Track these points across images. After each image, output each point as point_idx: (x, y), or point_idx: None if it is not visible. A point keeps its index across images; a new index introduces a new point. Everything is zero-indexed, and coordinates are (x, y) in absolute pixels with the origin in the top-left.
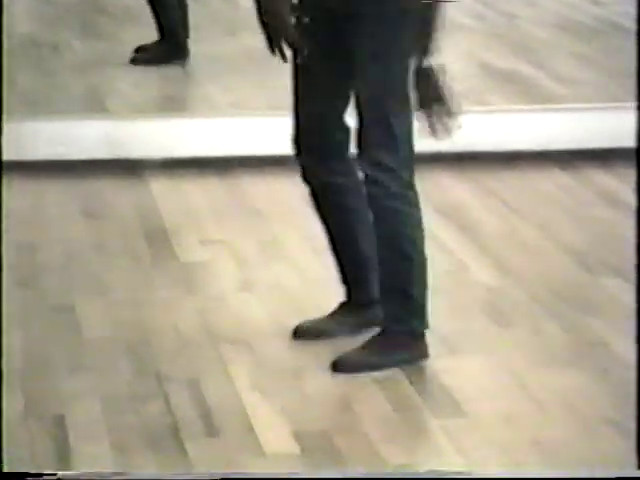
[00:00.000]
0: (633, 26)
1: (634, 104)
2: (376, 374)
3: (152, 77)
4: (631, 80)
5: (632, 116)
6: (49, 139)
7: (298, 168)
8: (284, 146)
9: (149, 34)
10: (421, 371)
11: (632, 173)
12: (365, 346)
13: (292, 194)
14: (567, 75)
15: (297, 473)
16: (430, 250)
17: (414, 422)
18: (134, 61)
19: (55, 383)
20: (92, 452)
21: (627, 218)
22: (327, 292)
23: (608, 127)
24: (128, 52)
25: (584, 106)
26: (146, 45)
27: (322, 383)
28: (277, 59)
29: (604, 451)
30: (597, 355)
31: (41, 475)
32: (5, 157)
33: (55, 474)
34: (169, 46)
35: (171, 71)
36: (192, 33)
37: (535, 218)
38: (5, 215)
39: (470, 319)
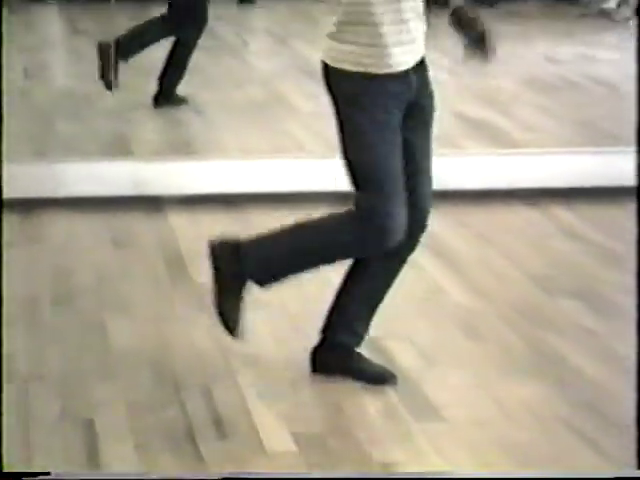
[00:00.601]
0: (584, 82)
1: (587, 149)
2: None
3: (171, 123)
4: (585, 128)
5: (586, 159)
6: (83, 178)
7: (303, 205)
8: (284, 184)
9: None
10: (404, 381)
11: (588, 209)
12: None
13: (271, 218)
14: (531, 124)
15: (297, 473)
16: (411, 275)
17: (398, 426)
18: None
19: (86, 390)
20: (118, 451)
21: (583, 248)
22: (323, 312)
23: (566, 169)
24: (150, 101)
25: (545, 150)
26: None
27: (318, 391)
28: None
29: (562, 450)
30: (555, 367)
31: (36, 475)
32: (44, 194)
33: (49, 473)
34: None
35: (187, 118)
36: (207, 85)
37: (503, 248)
38: (44, 243)
39: (447, 335)
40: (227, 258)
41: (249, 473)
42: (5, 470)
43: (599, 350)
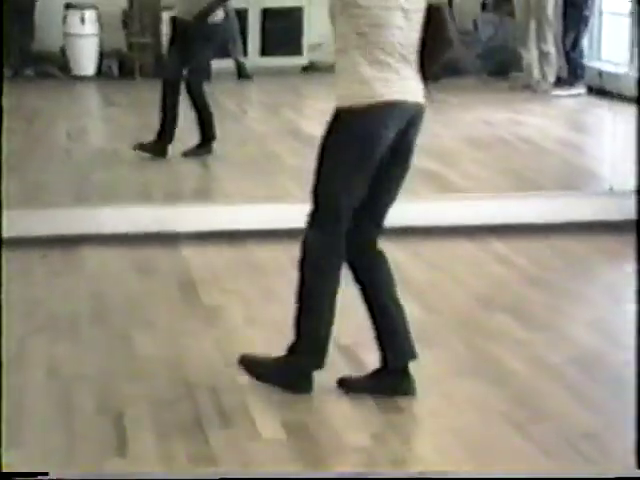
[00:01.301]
0: (513, 140)
1: (515, 193)
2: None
3: (183, 174)
4: (513, 177)
5: (514, 201)
6: (113, 219)
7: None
8: (275, 223)
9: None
10: None
11: (516, 241)
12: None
13: (285, 257)
14: (470, 173)
15: (297, 473)
16: None
17: (368, 417)
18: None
19: (116, 389)
20: (142, 438)
21: (513, 273)
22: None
23: (499, 209)
24: (169, 155)
25: (482, 195)
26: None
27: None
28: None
29: (498, 436)
30: (493, 369)
31: (35, 475)
32: (82, 232)
33: (47, 473)
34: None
35: (196, 169)
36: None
37: (450, 273)
38: (82, 272)
39: None
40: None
41: (245, 473)
42: (4, 470)
43: (529, 356)
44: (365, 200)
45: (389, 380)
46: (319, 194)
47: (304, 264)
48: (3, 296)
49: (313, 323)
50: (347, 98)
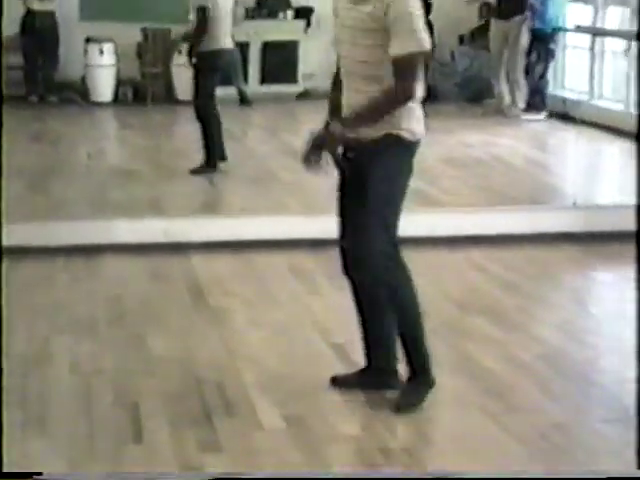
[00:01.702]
0: (488, 159)
1: (490, 207)
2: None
3: (192, 189)
4: (488, 192)
5: (489, 214)
6: (129, 230)
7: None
8: (274, 234)
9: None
10: None
11: (491, 250)
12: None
13: (283, 265)
14: (450, 190)
15: (298, 473)
16: None
17: (359, 409)
18: (194, 172)
19: (132, 383)
20: (156, 426)
21: (489, 279)
22: (304, 329)
23: (476, 222)
24: (178, 173)
25: (460, 209)
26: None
27: (302, 385)
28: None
29: (476, 425)
30: (471, 366)
31: (30, 475)
32: (101, 242)
33: (41, 473)
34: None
35: (203, 185)
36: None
37: (431, 279)
38: (101, 278)
39: None
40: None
41: (245, 474)
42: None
43: (502, 354)
44: None
45: (377, 376)
46: (369, 217)
47: (377, 290)
48: (4, 302)
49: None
50: (394, 128)
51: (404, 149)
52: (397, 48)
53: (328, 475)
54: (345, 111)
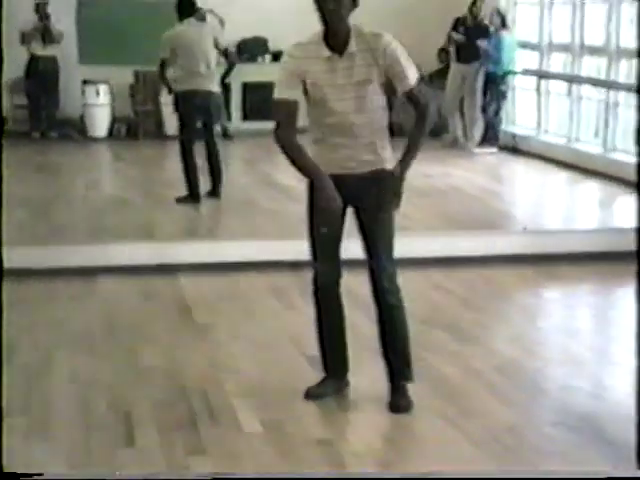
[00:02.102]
0: (445, 188)
1: (447, 232)
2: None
3: (179, 216)
4: (445, 218)
5: (446, 238)
6: (122, 253)
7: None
8: (254, 256)
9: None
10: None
11: (450, 271)
12: (402, 393)
13: (263, 285)
14: (413, 216)
15: (297, 473)
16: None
17: (330, 416)
18: (178, 201)
19: (124, 392)
20: (146, 433)
21: (448, 297)
22: (282, 342)
23: (434, 245)
24: (167, 201)
25: (423, 233)
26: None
27: (279, 393)
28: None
29: (433, 427)
30: (430, 374)
31: (31, 475)
32: (97, 264)
33: (42, 474)
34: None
35: (190, 213)
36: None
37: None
38: (97, 296)
39: (361, 354)
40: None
41: (244, 474)
42: (5, 470)
43: (459, 364)
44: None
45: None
46: (390, 247)
47: (400, 300)
48: (4, 323)
49: None
50: (387, 162)
51: None
52: (411, 80)
53: (328, 476)
54: (349, 151)
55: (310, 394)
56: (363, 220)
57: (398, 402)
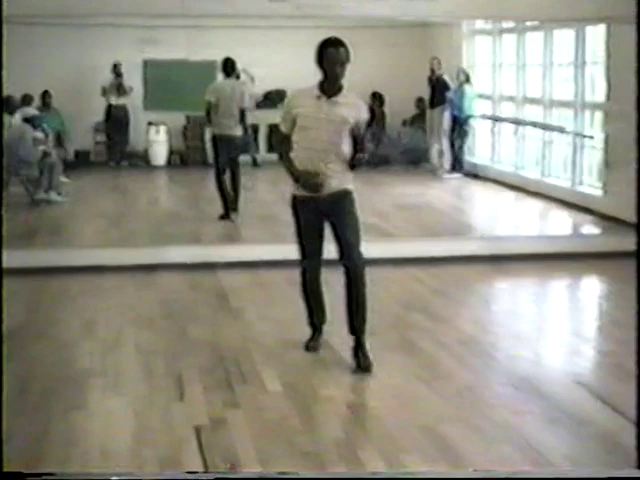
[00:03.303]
0: (422, 205)
1: (425, 238)
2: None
3: (219, 228)
4: (424, 226)
5: (424, 243)
6: (177, 254)
7: (285, 267)
8: (276, 256)
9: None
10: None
11: (428, 268)
12: (365, 353)
13: (282, 278)
14: (397, 225)
15: (297, 473)
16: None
17: (336, 379)
18: (221, 218)
19: (178, 360)
20: (194, 390)
21: (426, 289)
22: (296, 322)
23: (416, 248)
24: (209, 214)
25: (405, 238)
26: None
27: (294, 360)
28: (268, 220)
29: (413, 387)
30: (409, 346)
31: (40, 475)
32: (159, 262)
33: (54, 474)
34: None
35: (227, 225)
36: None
37: (383, 287)
38: (161, 287)
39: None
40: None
41: (243, 474)
42: (6, 470)
43: (432, 338)
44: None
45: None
46: (357, 237)
47: (364, 274)
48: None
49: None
50: (349, 184)
51: None
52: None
53: (329, 476)
54: (322, 171)
55: (308, 347)
56: (336, 225)
57: (361, 360)
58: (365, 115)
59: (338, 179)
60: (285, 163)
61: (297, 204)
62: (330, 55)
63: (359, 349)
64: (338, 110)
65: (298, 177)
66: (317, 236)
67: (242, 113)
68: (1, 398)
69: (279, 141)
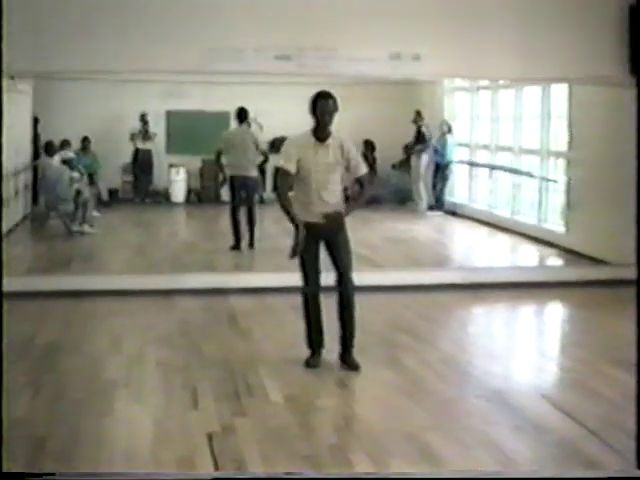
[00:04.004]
0: (408, 239)
1: (410, 268)
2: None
3: (231, 256)
4: (407, 258)
5: (410, 273)
6: (192, 280)
7: (289, 293)
8: (281, 283)
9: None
10: (335, 373)
11: (414, 295)
12: (350, 354)
13: (287, 303)
14: (386, 257)
15: (298, 473)
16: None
17: (330, 389)
18: (232, 248)
19: (192, 373)
20: (206, 401)
21: (410, 312)
22: (298, 341)
23: (403, 277)
24: (222, 245)
25: (392, 268)
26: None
27: (296, 375)
28: (273, 252)
29: (397, 401)
30: (396, 363)
31: (40, 475)
32: (175, 287)
33: (54, 474)
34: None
35: (239, 256)
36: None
37: (374, 311)
38: (179, 310)
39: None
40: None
41: (244, 474)
42: (5, 470)
43: (416, 357)
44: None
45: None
46: (350, 259)
47: (354, 296)
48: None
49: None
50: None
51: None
52: (362, 170)
53: (328, 476)
54: (321, 208)
55: (309, 364)
56: (331, 247)
57: (351, 361)
58: (352, 148)
59: (333, 209)
60: (282, 201)
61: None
62: (321, 106)
63: (346, 354)
64: (329, 152)
65: (293, 219)
66: (314, 256)
67: (265, 156)
68: (1, 398)
69: (283, 180)
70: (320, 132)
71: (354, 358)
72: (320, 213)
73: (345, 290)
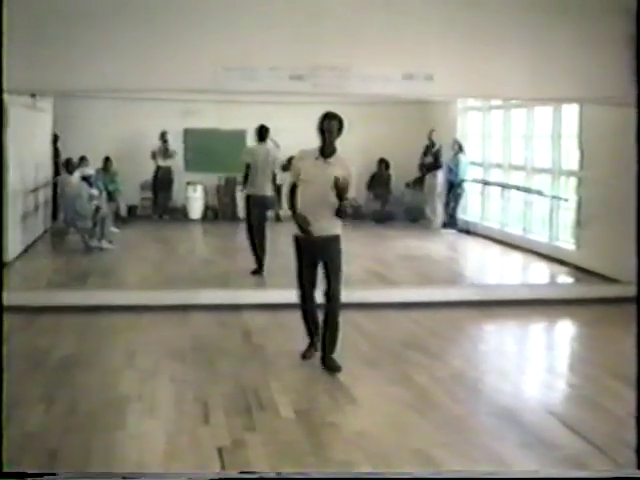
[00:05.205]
0: (421, 256)
1: (423, 285)
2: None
3: (246, 272)
4: (420, 275)
5: (423, 289)
6: (209, 296)
7: (297, 305)
8: (291, 300)
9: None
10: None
11: (425, 312)
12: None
13: (297, 319)
14: (399, 273)
15: (297, 473)
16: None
17: (338, 405)
18: (254, 273)
19: (205, 388)
20: (217, 416)
21: (421, 329)
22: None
23: (415, 294)
24: (238, 262)
25: (406, 285)
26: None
27: (307, 390)
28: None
29: (407, 416)
30: (407, 380)
31: (41, 475)
32: (189, 302)
33: (54, 474)
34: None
35: (251, 277)
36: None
37: (385, 327)
38: (191, 325)
39: (355, 363)
40: None
41: (245, 474)
42: (6, 470)
43: (427, 373)
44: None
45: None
46: (339, 274)
47: (339, 307)
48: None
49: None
50: (338, 230)
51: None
52: (346, 190)
53: (329, 476)
54: (316, 217)
55: (305, 356)
56: (327, 263)
57: (330, 364)
58: (350, 172)
59: (328, 223)
60: (290, 206)
61: (298, 242)
62: (326, 125)
63: (325, 358)
64: (331, 169)
65: (296, 219)
66: (312, 267)
67: (274, 175)
68: (1, 398)
69: (289, 189)
70: (325, 149)
71: (334, 360)
72: (315, 225)
73: (331, 300)
